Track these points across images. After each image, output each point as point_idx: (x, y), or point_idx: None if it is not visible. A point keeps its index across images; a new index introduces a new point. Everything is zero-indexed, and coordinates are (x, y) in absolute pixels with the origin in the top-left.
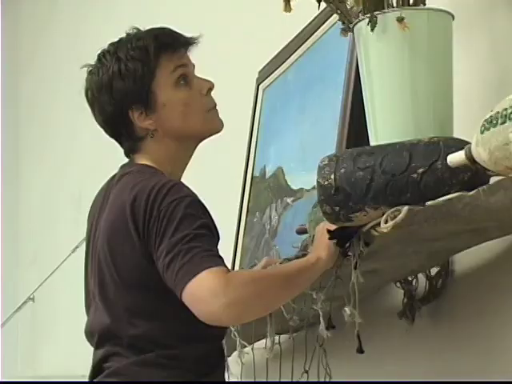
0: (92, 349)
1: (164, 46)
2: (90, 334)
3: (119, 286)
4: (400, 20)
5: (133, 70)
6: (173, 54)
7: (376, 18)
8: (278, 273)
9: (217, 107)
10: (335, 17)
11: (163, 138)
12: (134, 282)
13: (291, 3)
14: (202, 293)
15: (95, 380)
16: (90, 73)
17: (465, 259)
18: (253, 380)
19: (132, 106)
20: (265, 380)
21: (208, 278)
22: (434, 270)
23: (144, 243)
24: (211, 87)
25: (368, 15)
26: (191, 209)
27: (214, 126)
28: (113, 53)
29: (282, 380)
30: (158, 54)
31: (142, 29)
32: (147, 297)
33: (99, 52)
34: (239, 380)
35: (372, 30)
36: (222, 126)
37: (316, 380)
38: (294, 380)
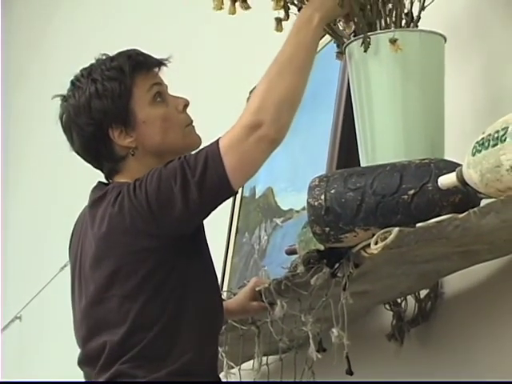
0: (79, 370)
1: (138, 65)
2: (88, 359)
3: (124, 300)
4: (393, 41)
5: (110, 90)
6: (147, 73)
7: (369, 38)
8: (277, 62)
9: (193, 123)
10: (327, 37)
11: (144, 155)
12: (138, 291)
13: (283, 23)
14: (240, 141)
15: None
16: (64, 99)
17: (454, 282)
18: None
19: (112, 125)
20: None
21: (228, 136)
22: (423, 292)
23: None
24: (186, 104)
25: (361, 36)
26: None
27: (192, 140)
28: (87, 75)
29: None
30: (133, 73)
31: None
32: (152, 305)
33: (71, 78)
34: None
35: (365, 50)
36: (200, 141)
37: None
38: None
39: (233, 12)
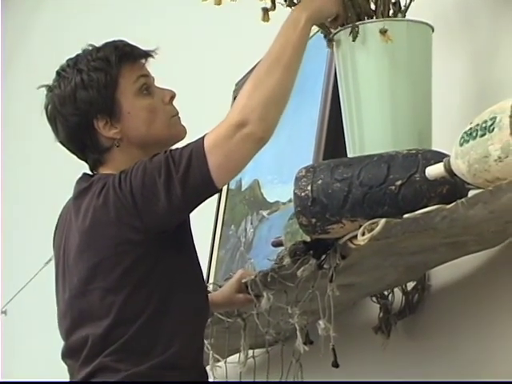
0: (63, 364)
1: (125, 56)
2: (71, 351)
3: (107, 293)
4: (383, 32)
5: (96, 80)
6: (133, 64)
7: (358, 28)
8: (264, 61)
9: (179, 115)
10: (313, 28)
11: (129, 146)
12: (121, 284)
13: (270, 14)
14: (225, 140)
15: None
16: (49, 89)
17: (441, 274)
18: None
19: (97, 116)
20: None
21: (214, 134)
22: (410, 285)
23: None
24: (173, 96)
25: (349, 25)
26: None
27: (177, 131)
28: (73, 66)
29: None
30: (119, 64)
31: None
32: (135, 298)
33: (58, 68)
34: None
35: (354, 40)
36: (185, 132)
37: None
38: None
39: (218, 2)
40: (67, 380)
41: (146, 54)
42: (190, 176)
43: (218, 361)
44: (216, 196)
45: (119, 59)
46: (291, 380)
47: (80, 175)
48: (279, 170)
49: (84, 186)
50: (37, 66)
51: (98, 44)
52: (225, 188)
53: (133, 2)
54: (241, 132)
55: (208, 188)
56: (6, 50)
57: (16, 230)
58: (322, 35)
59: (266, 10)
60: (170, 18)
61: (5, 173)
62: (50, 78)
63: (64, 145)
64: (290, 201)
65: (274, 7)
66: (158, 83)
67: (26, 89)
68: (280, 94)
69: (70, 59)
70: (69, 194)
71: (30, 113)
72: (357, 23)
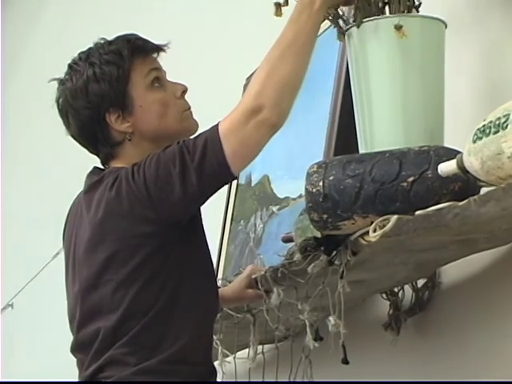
0: (71, 358)
1: (137, 50)
2: (82, 345)
3: (119, 286)
4: (398, 28)
5: (108, 73)
6: (145, 58)
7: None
8: (278, 46)
9: (191, 109)
10: (325, 24)
11: (140, 140)
12: (134, 277)
13: (282, 8)
14: (240, 126)
15: None
16: (61, 82)
17: (452, 271)
18: None
19: (109, 109)
20: None
21: (228, 120)
22: (420, 282)
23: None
24: (185, 90)
25: (359, 21)
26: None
27: (189, 125)
28: (85, 59)
29: None
30: (131, 57)
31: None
32: (147, 291)
33: (69, 61)
34: None
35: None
36: (197, 126)
37: None
38: None
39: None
40: (75, 373)
41: (158, 48)
42: (206, 164)
43: (227, 356)
44: (225, 191)
45: (131, 53)
46: (300, 378)
47: (91, 169)
48: (289, 166)
49: (95, 180)
50: (40, 61)
51: (107, 36)
52: (234, 183)
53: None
54: (255, 118)
55: (225, 175)
56: (9, 46)
57: (24, 224)
58: (334, 28)
59: (278, 5)
60: (180, 12)
61: (15, 165)
62: (53, 74)
63: (75, 138)
64: (299, 196)
65: (287, 2)
66: (168, 78)
67: (29, 85)
68: (294, 80)
69: (82, 52)
70: (77, 187)
71: (31, 110)
72: (369, 19)
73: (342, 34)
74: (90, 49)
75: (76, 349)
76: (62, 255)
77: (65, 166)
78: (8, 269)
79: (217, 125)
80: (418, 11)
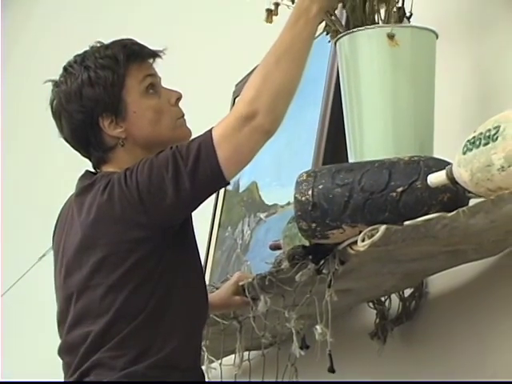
0: (58, 360)
1: (133, 55)
2: (70, 348)
3: (109, 290)
4: (391, 37)
5: (103, 78)
6: (141, 64)
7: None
8: (274, 51)
9: (184, 117)
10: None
11: (133, 146)
12: (124, 281)
13: (273, 15)
14: (234, 131)
15: None
16: (55, 85)
17: (439, 281)
18: None
19: (102, 114)
20: None
21: (222, 126)
22: (407, 291)
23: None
24: (179, 97)
25: (352, 30)
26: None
27: (183, 133)
28: (80, 62)
29: None
30: (127, 63)
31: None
32: (137, 296)
33: (65, 64)
34: None
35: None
36: (191, 134)
37: None
38: None
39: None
40: (61, 375)
41: (154, 54)
42: (199, 169)
43: (213, 362)
44: (213, 197)
45: (127, 58)
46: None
47: (82, 172)
48: (278, 173)
49: (87, 183)
50: (35, 60)
51: (97, 40)
52: (222, 189)
53: (133, 3)
54: (249, 124)
55: (218, 181)
56: (4, 44)
57: (11, 225)
58: (325, 32)
59: (270, 12)
60: (170, 19)
61: (4, 165)
62: (48, 73)
63: (68, 141)
64: (288, 204)
65: (277, 13)
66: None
67: (26, 84)
68: (289, 87)
69: (78, 55)
70: (68, 188)
71: (24, 110)
72: (359, 28)
73: (333, 36)
74: (85, 52)
75: (64, 351)
76: (50, 257)
77: (54, 166)
78: None
79: (210, 130)
80: (409, 21)
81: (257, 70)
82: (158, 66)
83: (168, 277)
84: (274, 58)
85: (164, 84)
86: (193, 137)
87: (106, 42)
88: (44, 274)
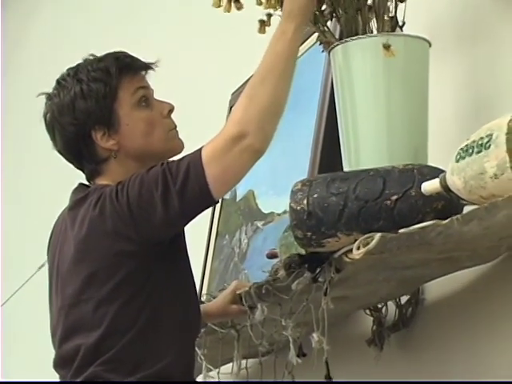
0: (54, 373)
1: (125, 68)
2: (63, 361)
3: (100, 304)
4: (387, 47)
5: (95, 91)
6: (133, 76)
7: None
8: (258, 72)
9: (177, 129)
10: (309, 41)
11: (126, 158)
12: (114, 295)
13: (266, 26)
14: (223, 152)
15: None
16: (48, 98)
17: (435, 288)
18: None
19: (95, 127)
20: None
21: (211, 146)
22: (404, 298)
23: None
24: (171, 109)
25: (345, 40)
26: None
27: (175, 145)
28: (73, 75)
29: None
30: (119, 75)
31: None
32: (128, 309)
33: (58, 77)
34: None
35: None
36: (183, 146)
37: None
38: None
39: (228, 10)
40: None
41: (147, 66)
42: (187, 188)
43: (211, 371)
44: None
45: (119, 71)
46: None
47: (76, 185)
48: (274, 182)
49: (80, 196)
50: (35, 69)
51: (95, 53)
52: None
53: (129, 14)
54: (239, 145)
55: (206, 200)
56: (3, 53)
57: (11, 237)
58: (319, 42)
59: (262, 22)
60: (165, 29)
61: (1, 176)
62: (47, 81)
63: (61, 153)
64: (284, 212)
65: (270, 24)
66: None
67: (25, 94)
68: (275, 105)
69: (71, 68)
70: (63, 200)
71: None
72: (353, 38)
73: (327, 51)
74: (78, 65)
75: (58, 365)
76: (46, 269)
77: (50, 178)
78: None
79: (200, 149)
80: (402, 30)
81: (244, 90)
82: (156, 75)
83: (158, 291)
84: (259, 78)
85: (161, 93)
86: (185, 152)
87: (102, 45)
88: (43, 283)
